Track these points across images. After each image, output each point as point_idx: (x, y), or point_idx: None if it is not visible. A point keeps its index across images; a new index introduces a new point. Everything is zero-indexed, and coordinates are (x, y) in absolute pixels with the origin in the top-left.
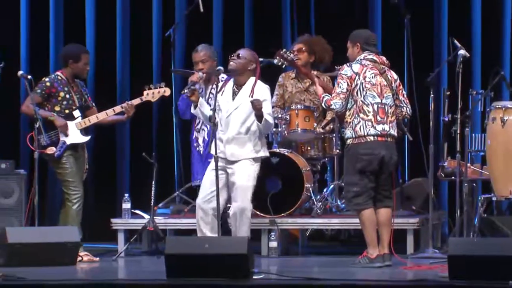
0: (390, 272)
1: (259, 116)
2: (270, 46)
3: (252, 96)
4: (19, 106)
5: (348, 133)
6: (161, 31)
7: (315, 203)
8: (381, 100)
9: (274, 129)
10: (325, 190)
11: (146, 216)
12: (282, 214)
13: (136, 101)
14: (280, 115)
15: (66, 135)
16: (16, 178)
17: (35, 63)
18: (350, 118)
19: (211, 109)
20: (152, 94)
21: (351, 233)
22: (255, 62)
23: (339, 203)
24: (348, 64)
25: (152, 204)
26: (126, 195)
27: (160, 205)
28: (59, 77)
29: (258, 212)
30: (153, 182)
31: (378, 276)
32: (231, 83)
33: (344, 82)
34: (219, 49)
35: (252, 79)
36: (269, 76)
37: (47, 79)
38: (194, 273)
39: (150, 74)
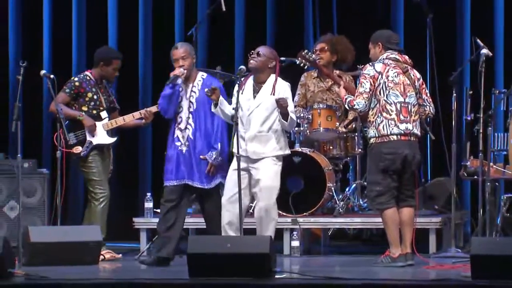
0: (413, 271)
1: (284, 114)
2: (292, 45)
3: (273, 94)
4: (42, 106)
5: (371, 132)
6: (183, 31)
7: (337, 202)
8: (404, 99)
9: (296, 128)
10: (347, 189)
11: None
12: (304, 214)
13: (154, 109)
14: (302, 114)
15: (93, 135)
16: (39, 178)
17: (57, 63)
18: (373, 118)
19: (233, 108)
20: None
21: (373, 232)
22: (274, 60)
23: (361, 202)
24: (370, 63)
25: None
26: (149, 194)
27: None
28: (87, 77)
29: (280, 212)
30: None
31: (400, 275)
32: (251, 81)
33: (367, 81)
34: (241, 48)
35: (272, 77)
36: (291, 75)
37: (76, 79)
38: (216, 272)
39: None
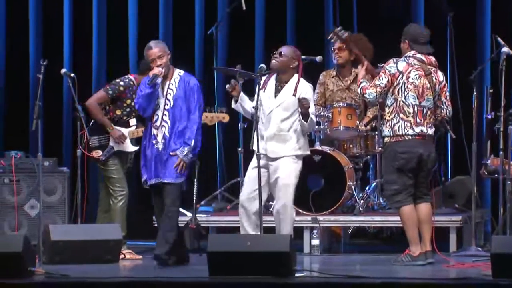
0: (433, 270)
1: (305, 115)
2: (312, 43)
3: (295, 94)
4: (62, 104)
5: (386, 131)
6: (204, 29)
7: (357, 201)
8: (420, 103)
9: (317, 127)
10: (367, 188)
11: (189, 214)
12: (324, 212)
13: None
14: (322, 113)
15: (119, 144)
16: (59, 176)
17: (78, 61)
18: (389, 116)
19: (253, 107)
20: (211, 118)
21: (393, 231)
22: (297, 60)
23: (381, 201)
24: (395, 60)
25: (194, 202)
26: None
27: (202, 202)
28: (131, 83)
29: (300, 210)
30: (195, 180)
31: (420, 274)
32: (273, 80)
33: (385, 77)
34: (261, 47)
35: (295, 77)
36: (310, 74)
37: (122, 83)
38: (237, 271)
39: (192, 72)
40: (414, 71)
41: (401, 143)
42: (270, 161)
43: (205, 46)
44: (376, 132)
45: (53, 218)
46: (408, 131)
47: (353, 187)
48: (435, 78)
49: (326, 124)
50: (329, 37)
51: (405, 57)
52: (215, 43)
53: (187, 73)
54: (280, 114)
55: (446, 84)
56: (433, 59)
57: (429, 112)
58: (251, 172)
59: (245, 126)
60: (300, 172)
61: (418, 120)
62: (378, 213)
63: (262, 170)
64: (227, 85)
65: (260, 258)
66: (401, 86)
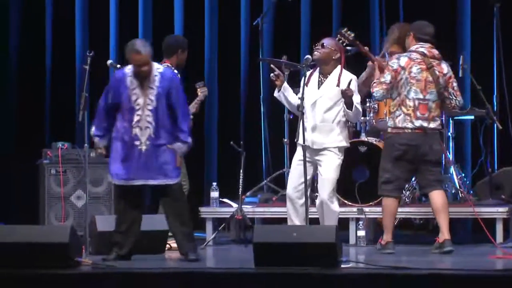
0: (480, 261)
1: (349, 104)
2: (358, 33)
3: (338, 85)
4: None
5: (390, 122)
6: (249, 20)
7: (403, 192)
8: (424, 96)
9: (362, 118)
10: (412, 179)
11: (234, 205)
12: (370, 203)
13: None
14: (368, 104)
15: None
16: (105, 167)
17: (124, 52)
18: (393, 109)
19: (299, 98)
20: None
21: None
22: (339, 51)
23: None
24: (397, 56)
25: (240, 193)
26: (214, 183)
27: (248, 193)
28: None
29: (346, 201)
30: (241, 171)
31: (467, 265)
32: (317, 73)
33: (389, 74)
34: (307, 38)
35: (338, 68)
36: (355, 65)
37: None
38: (282, 261)
39: (238, 63)
40: (416, 66)
41: (401, 135)
42: (314, 154)
43: (251, 37)
44: None
45: (99, 209)
46: (407, 124)
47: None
48: (438, 71)
49: (372, 115)
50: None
51: (409, 51)
52: (260, 34)
53: (167, 68)
54: (323, 104)
55: (452, 75)
56: (435, 51)
57: (434, 105)
58: (297, 164)
59: (291, 117)
60: (342, 164)
61: (419, 114)
62: (424, 205)
63: (307, 163)
64: (271, 74)
65: (306, 249)
66: (404, 82)
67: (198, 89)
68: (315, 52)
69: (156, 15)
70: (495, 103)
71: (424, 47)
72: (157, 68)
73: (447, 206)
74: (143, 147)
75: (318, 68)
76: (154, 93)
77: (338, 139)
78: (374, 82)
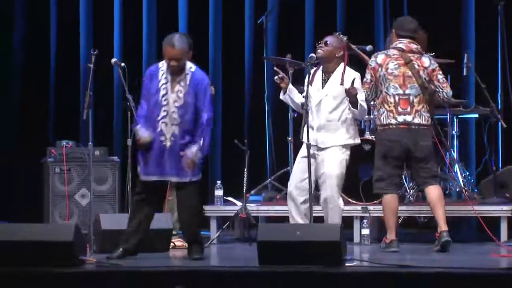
0: (484, 259)
1: (354, 103)
2: (362, 32)
3: (342, 83)
4: (113, 94)
5: (377, 120)
6: (254, 18)
7: (408, 190)
8: (404, 91)
9: (367, 116)
10: None
11: (238, 203)
12: (375, 201)
13: None
14: (372, 102)
15: None
16: (110, 165)
17: (128, 51)
18: (378, 107)
19: (303, 96)
20: None
21: None
22: (342, 49)
23: None
24: (375, 54)
25: (244, 191)
26: (218, 182)
27: (252, 192)
28: None
29: (350, 199)
30: (245, 169)
31: (472, 263)
32: (320, 72)
33: (368, 73)
34: (311, 36)
35: (341, 66)
36: (361, 63)
37: None
38: (286, 260)
39: (242, 61)
40: (392, 62)
41: (387, 131)
42: (318, 151)
43: (255, 36)
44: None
45: (104, 207)
46: (391, 120)
47: (403, 176)
48: (418, 65)
49: (376, 113)
50: (368, 47)
51: (390, 48)
52: (265, 32)
53: (199, 68)
54: (328, 104)
55: (436, 68)
56: (414, 46)
57: (416, 100)
58: (300, 162)
59: (295, 115)
60: (348, 161)
61: (400, 109)
62: (428, 203)
63: (311, 160)
64: (275, 77)
65: (310, 248)
66: (382, 78)
67: None
68: (319, 50)
69: (160, 14)
70: (499, 102)
71: (403, 43)
72: (190, 67)
73: (441, 199)
74: (168, 143)
75: (321, 66)
76: (183, 91)
77: (344, 137)
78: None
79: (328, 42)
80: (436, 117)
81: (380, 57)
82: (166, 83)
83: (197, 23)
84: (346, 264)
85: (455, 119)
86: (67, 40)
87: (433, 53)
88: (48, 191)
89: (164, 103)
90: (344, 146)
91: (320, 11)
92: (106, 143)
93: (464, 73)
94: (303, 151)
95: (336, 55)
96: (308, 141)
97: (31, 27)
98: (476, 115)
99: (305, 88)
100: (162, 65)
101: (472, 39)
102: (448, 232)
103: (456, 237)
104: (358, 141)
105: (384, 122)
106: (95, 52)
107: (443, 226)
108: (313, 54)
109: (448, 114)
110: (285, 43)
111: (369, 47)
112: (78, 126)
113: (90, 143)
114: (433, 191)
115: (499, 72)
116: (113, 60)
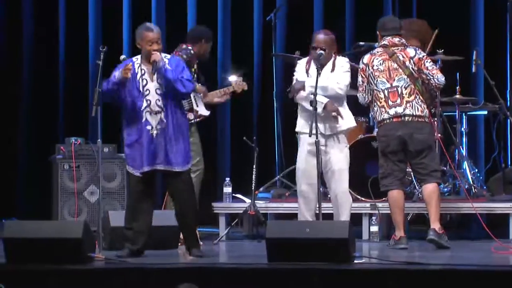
0: (492, 256)
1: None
2: (371, 29)
3: (333, 70)
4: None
5: (374, 119)
6: (262, 15)
7: (416, 187)
8: (392, 84)
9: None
10: None
11: (247, 200)
12: (383, 198)
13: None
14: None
15: (202, 101)
16: (119, 162)
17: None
18: (372, 105)
19: (311, 94)
20: (223, 92)
21: (452, 217)
22: (334, 43)
23: (441, 187)
24: (363, 56)
25: (253, 188)
26: (227, 179)
27: (261, 189)
28: (191, 52)
29: (359, 197)
30: (254, 166)
31: (479, 260)
32: (313, 64)
33: (359, 75)
34: None
35: (333, 56)
36: None
37: (184, 56)
38: (295, 257)
39: (251, 58)
40: (377, 58)
41: (382, 127)
42: (323, 143)
43: (264, 33)
44: (436, 119)
45: (113, 204)
46: (384, 115)
47: (412, 173)
48: (403, 56)
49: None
50: (376, 44)
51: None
52: (274, 29)
53: (173, 56)
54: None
55: (423, 57)
56: (396, 39)
57: (406, 91)
58: (307, 158)
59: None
60: (355, 159)
61: (390, 102)
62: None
63: (314, 153)
64: (288, 91)
65: (318, 245)
66: (370, 77)
67: (234, 82)
68: (323, 55)
69: (169, 11)
70: (508, 99)
71: (386, 40)
72: (165, 55)
73: (434, 197)
74: (154, 132)
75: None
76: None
77: (345, 121)
78: None
79: (324, 45)
80: (445, 114)
81: (366, 57)
82: (144, 74)
83: (206, 20)
84: (355, 261)
85: (464, 116)
86: (76, 36)
87: (442, 50)
88: (57, 188)
89: (146, 92)
90: (346, 135)
91: (329, 8)
92: (115, 140)
93: (473, 70)
94: (307, 146)
95: (333, 51)
96: (317, 138)
97: (40, 24)
98: (485, 112)
99: (315, 85)
100: (136, 59)
101: (481, 36)
102: (435, 230)
103: (465, 235)
104: (354, 124)
105: (379, 119)
106: (104, 49)
107: (431, 224)
108: (322, 51)
109: (457, 111)
110: (294, 40)
111: (377, 44)
112: (87, 123)
113: (99, 140)
114: (427, 189)
115: (508, 69)
116: (122, 56)
